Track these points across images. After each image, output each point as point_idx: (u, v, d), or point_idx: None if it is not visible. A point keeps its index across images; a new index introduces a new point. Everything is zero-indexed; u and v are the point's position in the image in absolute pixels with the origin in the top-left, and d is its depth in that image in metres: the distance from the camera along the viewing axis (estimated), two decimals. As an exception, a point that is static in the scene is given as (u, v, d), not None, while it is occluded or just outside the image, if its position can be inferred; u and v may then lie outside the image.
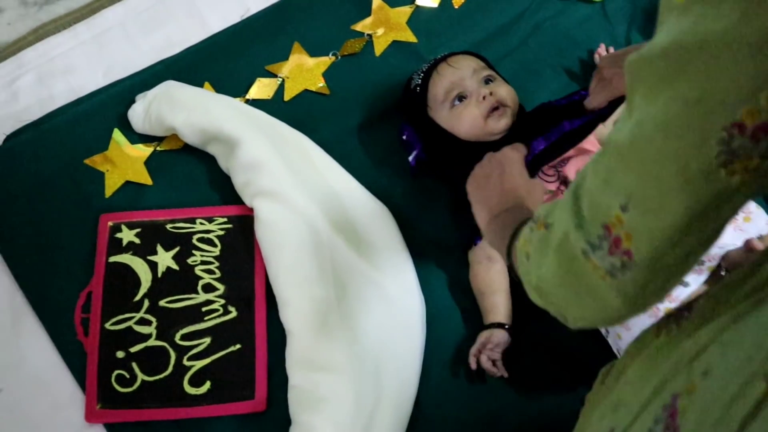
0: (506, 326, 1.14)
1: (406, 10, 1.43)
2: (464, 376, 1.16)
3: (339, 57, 1.39)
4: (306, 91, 1.36)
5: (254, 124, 1.27)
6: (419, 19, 1.44)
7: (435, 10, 1.45)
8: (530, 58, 1.41)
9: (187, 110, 1.27)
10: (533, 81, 1.38)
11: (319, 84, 1.37)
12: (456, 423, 1.13)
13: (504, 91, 1.23)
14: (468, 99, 1.22)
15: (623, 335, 1.07)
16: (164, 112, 1.27)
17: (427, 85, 1.24)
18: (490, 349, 1.12)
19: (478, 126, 1.21)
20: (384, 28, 1.41)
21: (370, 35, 1.41)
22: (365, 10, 1.44)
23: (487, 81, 1.24)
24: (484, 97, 1.21)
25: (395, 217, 1.26)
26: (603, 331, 1.12)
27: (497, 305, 1.16)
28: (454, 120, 1.22)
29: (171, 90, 1.30)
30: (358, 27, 1.42)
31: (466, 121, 1.21)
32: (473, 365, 1.12)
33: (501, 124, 1.21)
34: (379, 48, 1.40)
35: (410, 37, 1.41)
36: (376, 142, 1.33)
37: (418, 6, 1.44)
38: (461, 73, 1.23)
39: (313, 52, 1.39)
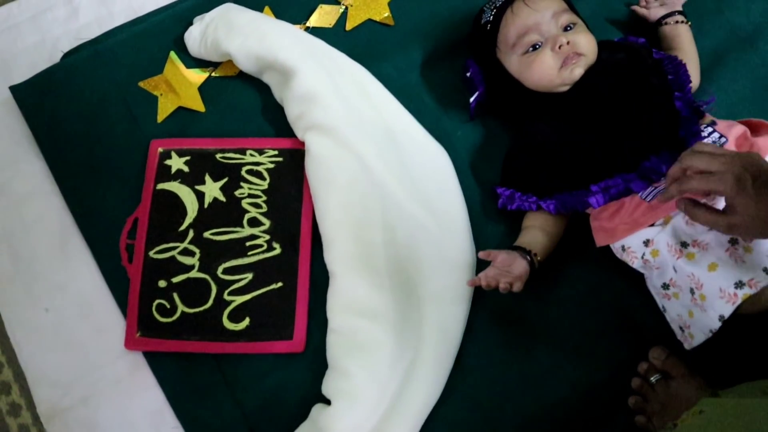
0: (529, 256, 1.05)
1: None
2: (510, 336, 1.10)
3: (409, -16, 1.30)
4: (369, 20, 1.28)
5: (311, 54, 1.20)
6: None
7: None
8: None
9: (243, 35, 1.21)
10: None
11: (384, 14, 1.28)
12: (496, 384, 1.07)
13: (584, 42, 1.11)
14: (543, 46, 1.11)
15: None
16: (220, 37, 1.22)
17: (499, 24, 1.14)
18: (506, 278, 1.03)
19: (550, 77, 1.10)
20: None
21: (441, -37, 1.31)
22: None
23: (567, 28, 1.12)
24: (560, 46, 1.09)
25: (453, 160, 1.19)
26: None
27: (536, 237, 1.08)
28: (523, 68, 1.12)
29: (229, 13, 1.25)
30: (431, -46, 1.32)
31: (537, 70, 1.11)
32: (476, 282, 1.04)
33: (575, 73, 1.10)
34: (451, -24, 1.30)
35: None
36: (439, 78, 1.24)
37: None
38: (538, 16, 1.11)
39: (382, -21, 1.31)
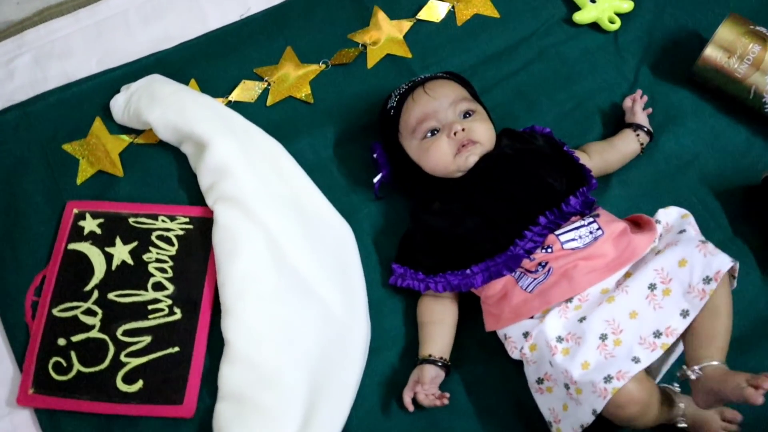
0: (438, 361, 1.09)
1: (405, 24, 1.39)
2: (396, 408, 1.12)
3: (329, 65, 1.36)
4: (290, 97, 1.34)
5: (227, 128, 1.25)
6: (419, 33, 1.39)
7: (436, 25, 1.40)
8: (528, 85, 1.34)
9: (163, 106, 1.27)
10: (526, 110, 1.32)
11: (304, 92, 1.34)
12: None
13: (480, 130, 1.16)
14: (440, 133, 1.15)
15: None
16: (142, 106, 1.27)
17: (401, 110, 1.19)
18: (424, 386, 1.08)
19: (444, 163, 1.15)
20: (380, 40, 1.37)
21: (365, 46, 1.37)
22: (365, 20, 1.40)
23: (465, 115, 1.18)
24: (455, 133, 1.14)
25: (358, 236, 1.23)
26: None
27: (434, 336, 1.12)
28: (422, 153, 1.17)
29: (153, 84, 1.30)
30: (355, 37, 1.38)
31: (433, 156, 1.15)
32: (409, 406, 1.08)
33: (469, 161, 1.14)
34: (371, 60, 1.36)
35: (405, 52, 1.37)
36: (351, 157, 1.29)
37: (419, 20, 1.39)
38: (437, 103, 1.17)
39: (305, 59, 1.37)
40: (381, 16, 1.40)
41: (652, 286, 1.03)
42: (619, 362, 0.99)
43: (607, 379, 0.97)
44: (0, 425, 1.13)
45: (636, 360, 0.99)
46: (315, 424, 1.09)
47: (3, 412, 1.14)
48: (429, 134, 1.16)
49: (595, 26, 1.39)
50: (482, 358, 1.14)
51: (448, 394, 1.08)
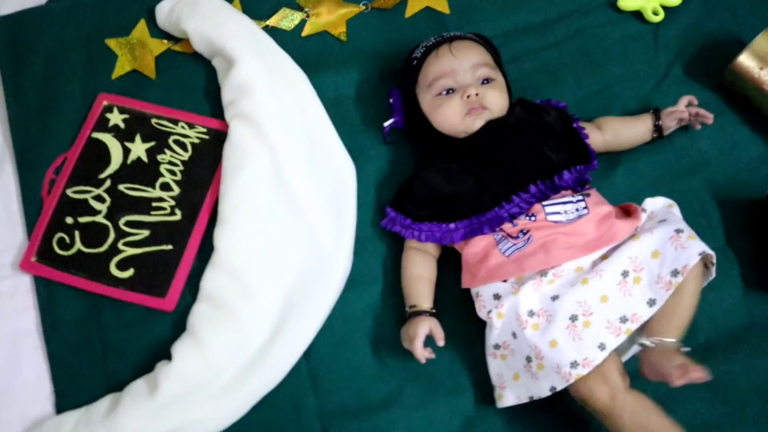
0: (429, 311, 1.14)
1: (453, -22, 1.40)
2: (363, 341, 1.19)
3: (369, 8, 1.39)
4: (325, 32, 1.38)
5: (257, 49, 1.30)
6: (463, -11, 1.41)
7: (483, -16, 1.41)
8: (558, 61, 1.35)
9: (202, 18, 1.32)
10: (550, 85, 1.33)
11: (340, 30, 1.38)
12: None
13: (493, 98, 1.18)
14: (455, 93, 1.18)
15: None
16: (184, 15, 1.33)
17: (423, 64, 1.22)
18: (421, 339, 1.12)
19: (452, 122, 1.18)
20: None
21: (409, -7, 1.40)
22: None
23: (484, 81, 1.20)
24: (468, 96, 1.17)
25: (359, 176, 1.27)
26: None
27: (421, 289, 1.16)
28: (433, 108, 1.20)
29: (199, -4, 1.36)
30: (403, -17, 1.41)
31: (443, 113, 1.19)
32: (422, 357, 1.11)
33: (475, 125, 1.17)
34: (411, 10, 1.39)
35: (444, 7, 1.39)
36: (370, 100, 1.33)
37: (468, -24, 1.41)
38: (458, 63, 1.19)
39: (350, -3, 1.41)
40: (432, -34, 1.41)
41: (625, 273, 1.06)
42: (586, 347, 1.03)
43: (573, 364, 1.02)
44: (3, 285, 1.23)
45: (602, 347, 1.03)
46: (281, 341, 1.16)
47: (6, 273, 1.24)
48: (444, 92, 1.19)
49: (638, 15, 1.37)
50: (449, 315, 1.18)
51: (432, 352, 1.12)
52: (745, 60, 1.26)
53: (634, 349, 1.07)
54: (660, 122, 1.25)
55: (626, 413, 1.00)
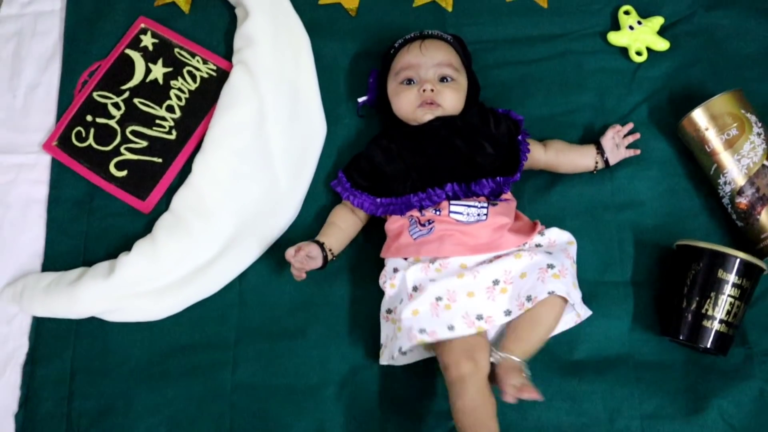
0: (325, 250, 1.30)
1: (460, -22, 1.51)
2: (283, 283, 1.39)
3: (384, -12, 1.53)
4: (339, 4, 1.53)
5: (272, 6, 1.48)
6: (469, -9, 1.52)
7: (488, -8, 1.51)
8: (534, 76, 1.45)
9: (234, -31, 1.51)
10: (521, 97, 1.44)
11: (353, 5, 1.53)
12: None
13: (447, 97, 1.32)
14: (414, 85, 1.33)
15: None
16: (221, -37, 1.53)
17: (396, 54, 1.37)
18: (300, 253, 1.27)
19: (406, 110, 1.33)
20: (436, -16, 1.51)
21: (422, -16, 1.52)
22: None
23: (443, 79, 1.33)
24: (424, 90, 1.31)
25: (328, 138, 1.45)
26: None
27: (335, 234, 1.32)
28: (394, 94, 1.35)
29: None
30: (419, -30, 1.53)
31: (400, 101, 1.34)
32: (288, 257, 1.27)
33: (424, 117, 1.32)
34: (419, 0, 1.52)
35: (448, 4, 1.51)
36: (358, 75, 1.48)
37: (475, -20, 1.51)
38: (424, 60, 1.33)
39: (370, -25, 1.54)
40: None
41: (496, 281, 1.21)
42: (438, 323, 1.20)
43: (422, 331, 1.19)
44: (29, 158, 1.50)
45: (451, 328, 1.19)
46: (224, 260, 1.38)
47: (34, 149, 1.50)
48: (406, 82, 1.34)
49: (624, 51, 1.45)
50: (368, 281, 1.35)
51: (305, 275, 1.29)
52: (697, 116, 1.32)
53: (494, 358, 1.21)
54: (606, 156, 1.36)
55: (470, 391, 1.14)
